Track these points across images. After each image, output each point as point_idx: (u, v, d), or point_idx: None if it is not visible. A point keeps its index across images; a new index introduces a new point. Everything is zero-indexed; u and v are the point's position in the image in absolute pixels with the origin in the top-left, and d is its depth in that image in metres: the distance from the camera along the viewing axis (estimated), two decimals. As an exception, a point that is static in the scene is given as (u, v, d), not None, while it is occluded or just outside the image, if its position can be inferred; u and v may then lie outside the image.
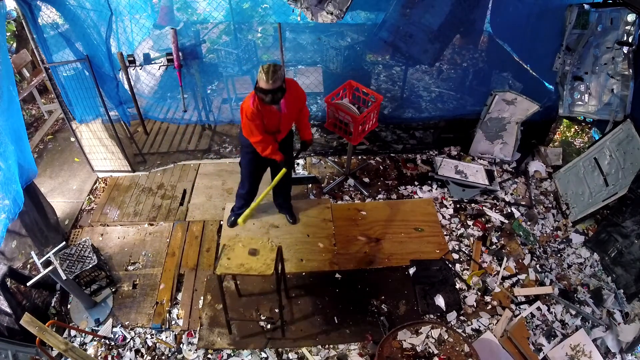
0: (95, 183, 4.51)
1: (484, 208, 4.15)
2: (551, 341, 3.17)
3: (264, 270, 2.63)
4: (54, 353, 2.90)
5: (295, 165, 4.56)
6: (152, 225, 4.04)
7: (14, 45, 5.46)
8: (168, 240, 3.88)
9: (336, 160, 4.68)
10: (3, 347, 2.78)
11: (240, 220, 3.12)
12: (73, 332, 3.24)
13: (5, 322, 2.94)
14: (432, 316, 3.29)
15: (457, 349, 2.74)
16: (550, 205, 4.26)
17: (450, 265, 3.62)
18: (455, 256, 3.71)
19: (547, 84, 4.39)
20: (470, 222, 4.01)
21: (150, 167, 4.61)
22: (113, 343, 3.18)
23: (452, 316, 3.29)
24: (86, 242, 3.44)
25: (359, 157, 4.73)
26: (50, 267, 2.80)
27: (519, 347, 3.06)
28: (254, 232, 3.84)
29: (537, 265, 3.67)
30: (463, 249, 3.77)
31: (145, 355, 3.12)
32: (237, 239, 2.82)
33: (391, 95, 4.88)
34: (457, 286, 3.48)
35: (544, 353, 3.11)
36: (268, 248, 2.76)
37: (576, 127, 4.97)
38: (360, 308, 3.33)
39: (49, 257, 2.82)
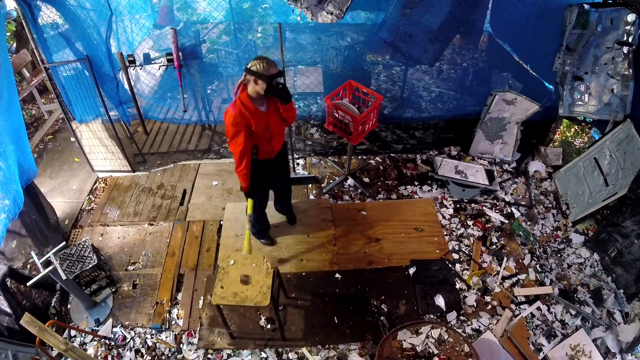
0: (95, 183, 4.51)
1: (484, 208, 4.15)
2: (551, 341, 3.17)
3: (260, 300, 2.63)
4: (54, 353, 2.90)
5: (295, 165, 4.56)
6: (152, 225, 4.04)
7: (14, 45, 5.46)
8: (168, 240, 3.88)
9: (336, 160, 4.68)
10: (3, 347, 2.77)
11: (244, 251, 3.16)
12: (73, 332, 3.25)
13: (5, 322, 2.93)
14: (432, 316, 3.29)
15: (457, 349, 2.74)
16: (550, 205, 4.26)
17: (450, 265, 3.62)
18: (455, 256, 3.71)
19: (547, 84, 4.39)
20: (470, 222, 4.01)
21: (150, 167, 4.61)
22: (113, 343, 3.18)
23: (452, 316, 3.29)
24: (86, 242, 3.44)
25: (359, 157, 4.73)
26: (50, 267, 2.80)
27: (519, 347, 3.06)
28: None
29: (537, 265, 3.67)
30: (463, 249, 3.77)
31: (145, 355, 3.12)
32: (229, 261, 2.82)
33: (391, 95, 4.88)
34: (457, 286, 3.48)
35: (544, 353, 3.11)
36: (263, 272, 2.74)
37: (576, 127, 4.97)
38: (360, 308, 3.32)
39: (49, 257, 2.82)
